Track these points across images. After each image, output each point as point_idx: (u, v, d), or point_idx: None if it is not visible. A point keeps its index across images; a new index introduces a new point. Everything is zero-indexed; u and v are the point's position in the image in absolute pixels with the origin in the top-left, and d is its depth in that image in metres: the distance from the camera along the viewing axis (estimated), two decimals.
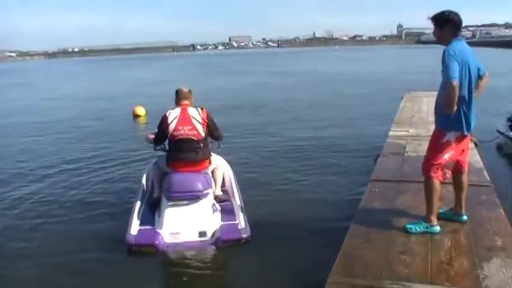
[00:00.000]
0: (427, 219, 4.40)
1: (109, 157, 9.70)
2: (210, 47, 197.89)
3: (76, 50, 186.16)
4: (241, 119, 14.11)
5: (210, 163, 5.81)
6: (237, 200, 5.90)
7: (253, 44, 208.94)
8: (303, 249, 5.15)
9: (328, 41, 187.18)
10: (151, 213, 5.63)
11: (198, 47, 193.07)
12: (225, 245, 5.16)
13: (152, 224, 5.43)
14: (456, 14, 4.13)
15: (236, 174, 6.59)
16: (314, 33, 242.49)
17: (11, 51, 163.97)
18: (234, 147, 9.49)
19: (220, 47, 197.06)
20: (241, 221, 5.47)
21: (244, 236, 5.24)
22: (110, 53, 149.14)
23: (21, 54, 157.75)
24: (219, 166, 6.11)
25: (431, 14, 4.23)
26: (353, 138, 10.81)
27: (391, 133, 9.00)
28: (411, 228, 4.39)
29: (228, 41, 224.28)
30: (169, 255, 5.10)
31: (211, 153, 5.89)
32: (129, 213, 5.70)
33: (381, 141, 8.63)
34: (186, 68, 52.31)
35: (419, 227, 4.38)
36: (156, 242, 5.14)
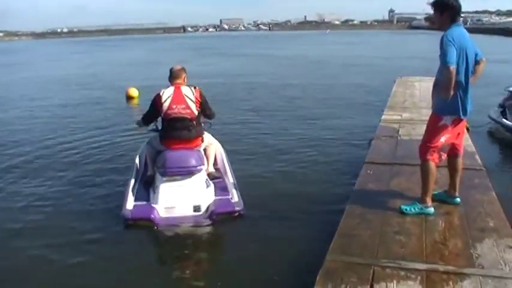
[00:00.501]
0: (421, 200, 4.52)
1: (102, 138, 9.70)
2: (200, 29, 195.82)
3: (65, 30, 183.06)
4: (234, 103, 14.11)
5: (202, 141, 5.96)
6: (230, 177, 6.08)
7: (244, 26, 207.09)
8: (298, 228, 5.26)
9: (320, 24, 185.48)
10: (146, 190, 5.78)
11: (189, 28, 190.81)
12: (219, 217, 5.32)
13: (147, 199, 5.59)
14: (456, 0, 4.18)
15: (230, 156, 6.67)
16: (305, 17, 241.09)
17: None
18: (227, 130, 9.59)
19: (211, 29, 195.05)
20: (234, 195, 5.66)
21: (237, 208, 5.45)
22: (100, 34, 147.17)
23: (9, 34, 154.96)
24: (211, 144, 6.24)
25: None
26: (346, 122, 10.88)
27: (384, 117, 9.10)
28: (406, 209, 4.50)
29: (219, 23, 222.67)
30: (165, 229, 5.23)
31: (204, 132, 6.02)
32: (123, 191, 5.82)
33: (374, 125, 8.71)
34: (177, 50, 51.85)
35: (414, 208, 4.50)
36: (152, 216, 5.28)
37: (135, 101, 14.82)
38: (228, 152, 6.71)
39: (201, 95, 5.72)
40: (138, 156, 6.51)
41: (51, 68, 30.06)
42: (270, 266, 4.48)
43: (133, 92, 15.31)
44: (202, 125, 5.99)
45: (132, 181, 5.95)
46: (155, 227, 5.24)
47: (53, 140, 9.68)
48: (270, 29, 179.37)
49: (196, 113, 5.67)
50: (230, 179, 6.05)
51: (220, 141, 6.62)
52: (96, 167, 7.74)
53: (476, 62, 4.30)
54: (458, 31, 4.15)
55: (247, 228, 5.30)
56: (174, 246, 5.04)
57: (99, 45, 69.03)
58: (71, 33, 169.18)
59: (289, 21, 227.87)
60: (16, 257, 4.86)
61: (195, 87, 5.75)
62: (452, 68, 3.97)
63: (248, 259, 4.65)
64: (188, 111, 5.60)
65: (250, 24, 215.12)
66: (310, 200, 6.09)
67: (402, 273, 3.48)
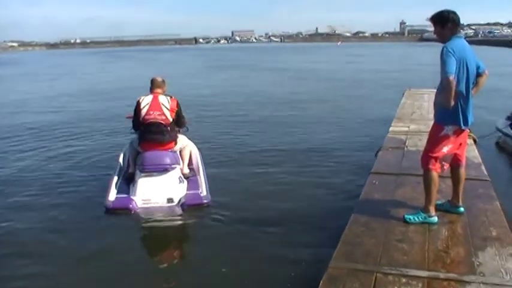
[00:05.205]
0: (425, 209, 4.57)
1: (98, 140, 10.82)
2: (212, 41, 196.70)
3: (78, 41, 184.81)
4: (246, 114, 14.23)
5: (176, 144, 6.69)
6: (201, 174, 6.88)
7: (256, 38, 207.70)
8: (302, 235, 5.42)
9: (331, 36, 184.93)
10: (127, 184, 6.56)
11: (201, 40, 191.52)
12: (189, 208, 6.07)
13: (127, 192, 6.36)
14: (454, 13, 4.31)
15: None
16: (317, 29, 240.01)
17: (12, 41, 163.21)
18: (233, 141, 9.83)
19: (222, 41, 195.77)
20: (203, 189, 6.45)
21: (205, 201, 6.24)
22: (112, 45, 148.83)
23: (23, 44, 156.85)
24: (186, 146, 6.92)
25: (430, 15, 4.41)
26: (354, 133, 10.99)
27: (391, 128, 9.13)
28: (410, 219, 4.56)
29: (230, 35, 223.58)
30: (142, 218, 5.95)
31: (178, 136, 6.80)
32: (107, 185, 6.54)
33: (381, 137, 8.76)
34: (189, 62, 52.23)
35: (418, 217, 4.55)
36: (130, 206, 6.08)
37: None
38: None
39: (177, 105, 6.57)
40: (122, 155, 7.17)
41: (66, 81, 30.54)
42: (275, 271, 4.62)
43: None
44: (176, 129, 6.67)
45: (115, 177, 6.70)
46: (133, 215, 5.98)
47: (55, 143, 10.66)
48: (281, 41, 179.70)
49: (170, 119, 6.45)
50: (201, 175, 6.84)
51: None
52: (88, 163, 8.75)
53: (479, 74, 4.37)
54: (458, 42, 4.23)
55: (252, 233, 5.47)
56: (149, 228, 5.81)
57: (111, 55, 69.89)
58: (84, 44, 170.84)
59: (301, 33, 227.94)
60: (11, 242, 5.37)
61: (171, 97, 6.57)
62: (452, 77, 4.04)
63: (253, 262, 4.81)
64: (163, 117, 6.38)
65: (261, 36, 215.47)
66: (315, 209, 6.24)
67: (404, 280, 3.53)
